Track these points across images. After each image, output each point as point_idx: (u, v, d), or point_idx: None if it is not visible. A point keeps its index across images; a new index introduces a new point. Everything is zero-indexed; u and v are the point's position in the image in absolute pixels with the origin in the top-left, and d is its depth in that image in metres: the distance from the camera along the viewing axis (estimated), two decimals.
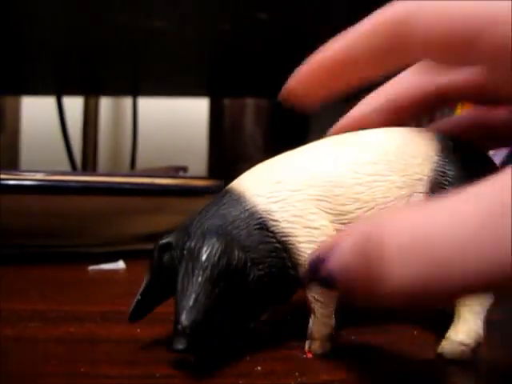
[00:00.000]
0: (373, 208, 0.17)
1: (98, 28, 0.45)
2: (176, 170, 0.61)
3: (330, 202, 0.17)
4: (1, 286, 0.26)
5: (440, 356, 0.17)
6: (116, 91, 0.75)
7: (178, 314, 0.15)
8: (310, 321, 0.17)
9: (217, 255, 0.15)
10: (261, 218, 0.17)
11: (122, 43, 0.49)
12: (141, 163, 0.77)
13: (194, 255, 0.15)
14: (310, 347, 0.17)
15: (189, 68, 0.58)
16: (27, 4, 0.40)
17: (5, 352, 0.17)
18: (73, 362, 0.16)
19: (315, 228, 0.17)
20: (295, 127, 0.65)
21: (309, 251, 0.17)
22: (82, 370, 0.15)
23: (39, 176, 0.31)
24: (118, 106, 0.87)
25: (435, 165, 0.17)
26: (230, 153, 0.73)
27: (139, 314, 0.18)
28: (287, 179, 0.17)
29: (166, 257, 0.17)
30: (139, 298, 0.17)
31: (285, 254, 0.17)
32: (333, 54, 0.18)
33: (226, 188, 0.18)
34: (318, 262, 0.14)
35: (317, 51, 0.19)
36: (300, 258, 0.17)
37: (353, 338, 0.19)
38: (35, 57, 0.55)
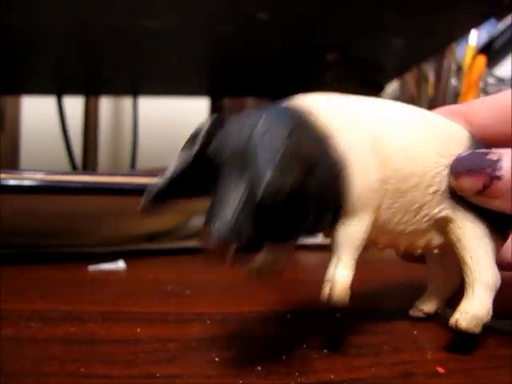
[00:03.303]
0: (416, 164, 0.17)
1: (98, 28, 0.45)
2: None
3: (381, 147, 0.17)
4: (1, 286, 0.26)
5: (452, 328, 0.17)
6: (116, 91, 0.75)
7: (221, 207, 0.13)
8: (331, 265, 0.16)
9: (290, 147, 0.14)
10: (324, 134, 0.16)
11: (122, 43, 0.49)
12: (141, 163, 0.77)
13: (265, 142, 0.14)
14: (330, 292, 0.16)
15: (189, 68, 0.58)
16: (27, 4, 0.40)
17: (5, 352, 0.17)
18: (73, 362, 0.16)
19: (369, 163, 0.17)
20: None
21: (359, 183, 0.16)
22: (81, 369, 0.15)
23: (39, 176, 0.31)
24: (118, 106, 0.87)
25: (466, 149, 0.19)
26: None
27: (159, 201, 0.16)
28: (352, 111, 0.17)
29: (213, 144, 0.15)
30: (167, 181, 0.15)
31: (336, 179, 0.16)
32: None
33: (285, 102, 0.17)
34: (483, 153, 0.18)
35: None
36: (349, 186, 0.16)
37: (353, 337, 0.19)
38: (35, 57, 0.55)
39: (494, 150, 0.18)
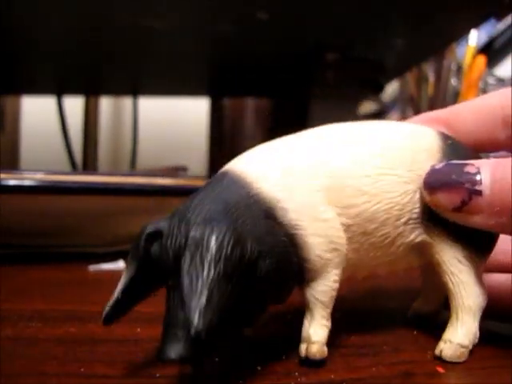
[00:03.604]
0: (379, 202, 0.16)
1: (98, 28, 0.45)
2: (176, 170, 0.61)
3: (337, 194, 0.16)
4: (1, 286, 0.26)
5: (438, 358, 0.17)
6: (116, 91, 0.75)
7: (188, 316, 0.12)
8: (306, 323, 0.17)
9: (229, 246, 0.13)
10: (267, 205, 0.15)
11: (122, 43, 0.49)
12: (141, 163, 0.77)
13: (203, 245, 0.13)
14: (306, 351, 0.16)
15: (189, 68, 0.58)
16: (27, 4, 0.40)
17: (5, 352, 0.17)
18: (73, 362, 0.16)
19: (324, 220, 0.16)
20: (295, 127, 0.65)
21: (317, 245, 0.16)
22: (81, 370, 0.15)
23: (39, 176, 0.31)
24: (118, 106, 0.87)
25: (438, 162, 0.17)
26: (230, 153, 0.73)
27: (117, 314, 0.15)
28: (295, 166, 0.16)
29: (155, 247, 0.15)
30: (119, 297, 0.15)
31: (291, 248, 0.15)
32: None
33: (223, 170, 0.16)
34: (460, 165, 0.16)
35: None
36: (307, 252, 0.16)
37: (353, 337, 0.19)
38: (35, 57, 0.55)
39: (471, 161, 0.17)
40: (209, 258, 0.13)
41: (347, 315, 0.21)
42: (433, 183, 0.17)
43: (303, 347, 0.16)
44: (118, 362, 0.16)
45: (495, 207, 0.16)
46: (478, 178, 0.16)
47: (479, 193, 0.16)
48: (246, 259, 0.14)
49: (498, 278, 0.21)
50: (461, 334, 0.17)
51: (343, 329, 0.19)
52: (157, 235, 0.15)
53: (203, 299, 0.12)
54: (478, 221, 0.16)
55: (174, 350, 0.12)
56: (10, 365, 0.16)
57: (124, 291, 0.15)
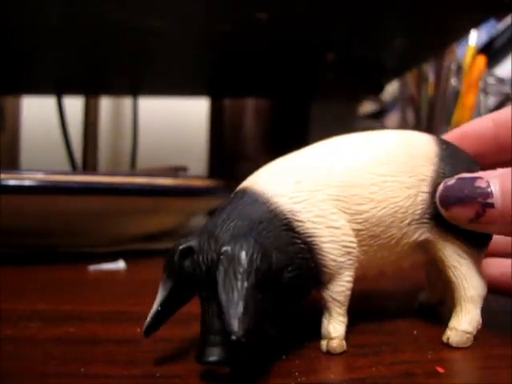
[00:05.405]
0: (385, 207, 0.18)
1: (98, 28, 0.45)
2: (176, 170, 0.61)
3: (346, 202, 0.17)
4: (1, 286, 0.26)
5: (446, 344, 0.18)
6: (116, 91, 0.75)
7: (228, 324, 0.13)
8: (325, 321, 0.18)
9: (258, 259, 0.15)
10: (286, 218, 0.17)
11: (122, 43, 0.49)
12: (141, 163, 0.77)
13: (234, 260, 0.14)
14: (327, 347, 0.17)
15: (189, 68, 0.58)
16: (27, 4, 0.40)
17: (5, 352, 0.17)
18: (73, 362, 0.16)
19: (337, 228, 0.17)
20: (295, 127, 0.65)
21: (331, 251, 0.17)
22: (81, 369, 0.15)
23: (39, 176, 0.31)
24: (118, 106, 0.87)
25: (435, 166, 0.19)
26: (230, 153, 0.73)
27: (155, 326, 0.16)
28: (307, 179, 0.17)
29: (187, 262, 0.16)
30: (159, 309, 0.16)
31: (309, 255, 0.17)
32: None
33: (242, 187, 0.18)
34: (471, 180, 0.17)
35: None
36: (323, 257, 0.17)
37: (353, 337, 0.19)
38: (35, 57, 0.55)
39: (480, 173, 0.18)
40: (241, 270, 0.14)
41: (347, 315, 0.21)
42: (447, 199, 0.18)
43: (324, 343, 0.18)
44: (118, 362, 0.16)
45: (507, 217, 0.17)
46: (488, 190, 0.17)
47: (491, 205, 0.17)
48: (272, 269, 0.15)
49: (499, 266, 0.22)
50: (465, 321, 0.18)
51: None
52: (188, 251, 0.16)
53: (240, 308, 0.14)
54: (493, 229, 0.18)
55: (212, 354, 0.14)
56: (10, 365, 0.16)
57: (163, 303, 0.16)
